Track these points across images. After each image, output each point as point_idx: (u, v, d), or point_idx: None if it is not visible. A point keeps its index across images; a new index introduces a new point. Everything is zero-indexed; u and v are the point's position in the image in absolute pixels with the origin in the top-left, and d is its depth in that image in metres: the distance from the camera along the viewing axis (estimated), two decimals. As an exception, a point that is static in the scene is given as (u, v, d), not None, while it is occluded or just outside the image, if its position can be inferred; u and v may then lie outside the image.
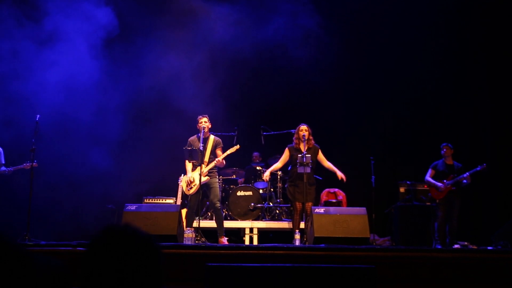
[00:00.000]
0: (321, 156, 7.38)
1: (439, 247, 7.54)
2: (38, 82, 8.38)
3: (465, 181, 7.90)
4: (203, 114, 7.34)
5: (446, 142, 8.20)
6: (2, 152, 7.48)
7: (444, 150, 8.10)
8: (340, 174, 7.31)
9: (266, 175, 7.60)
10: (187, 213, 7.24)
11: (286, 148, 7.46)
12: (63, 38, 8.55)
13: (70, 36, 8.58)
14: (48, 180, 8.12)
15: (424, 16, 9.72)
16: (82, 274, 1.33)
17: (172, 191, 8.45)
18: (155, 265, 1.36)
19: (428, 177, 8.17)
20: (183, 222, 7.10)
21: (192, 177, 7.16)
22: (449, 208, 7.93)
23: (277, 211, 8.74)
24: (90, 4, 8.63)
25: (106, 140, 8.80)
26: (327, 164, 7.39)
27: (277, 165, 7.54)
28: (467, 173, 7.88)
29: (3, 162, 7.41)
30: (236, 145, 7.33)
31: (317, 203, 7.94)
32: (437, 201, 8.03)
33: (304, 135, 7.21)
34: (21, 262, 1.25)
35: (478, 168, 7.87)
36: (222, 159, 7.12)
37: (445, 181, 7.95)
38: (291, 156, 7.38)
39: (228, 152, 7.18)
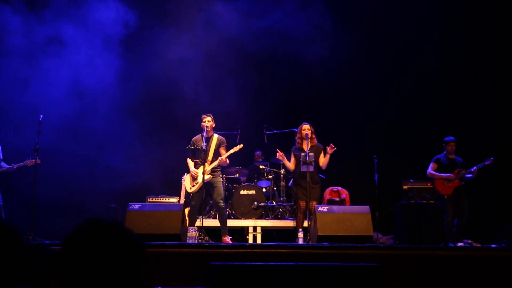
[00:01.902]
0: (321, 158, 7.34)
1: (452, 244, 7.43)
2: (44, 82, 8.47)
3: (470, 175, 7.78)
4: (207, 113, 7.34)
5: (450, 138, 8.11)
6: (0, 147, 7.46)
7: (451, 145, 7.98)
8: (330, 147, 7.15)
9: (281, 154, 7.40)
10: (190, 211, 7.25)
11: (291, 151, 7.48)
12: (70, 36, 8.67)
13: (77, 34, 8.68)
14: (51, 179, 8.15)
15: (426, 11, 9.67)
16: (62, 270, 1.26)
17: (175, 190, 8.47)
18: (134, 263, 1.29)
19: (431, 170, 8.05)
20: (186, 221, 7.12)
21: (197, 171, 7.15)
22: (458, 204, 7.80)
23: (281, 210, 8.74)
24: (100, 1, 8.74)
25: (110, 140, 8.83)
26: (323, 161, 7.31)
27: (290, 164, 7.49)
28: (475, 167, 7.77)
29: (1, 158, 7.43)
30: (239, 144, 7.34)
31: (320, 201, 7.94)
32: (445, 197, 7.86)
33: (307, 134, 7.22)
34: (13, 244, 1.24)
35: (486, 162, 7.76)
36: (226, 158, 7.13)
37: (452, 175, 7.82)
38: (295, 156, 7.39)
39: (232, 151, 7.18)
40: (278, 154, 7.43)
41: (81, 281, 1.24)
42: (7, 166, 7.28)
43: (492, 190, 9.29)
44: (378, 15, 9.67)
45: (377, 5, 9.64)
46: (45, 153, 7.38)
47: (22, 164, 7.21)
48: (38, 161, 7.07)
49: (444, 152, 8.11)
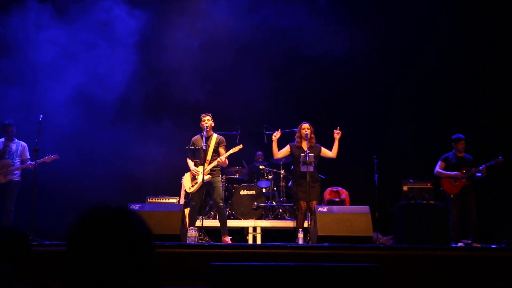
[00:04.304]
0: (324, 152, 7.36)
1: (454, 245, 7.37)
2: (46, 82, 8.50)
3: (479, 174, 7.57)
4: (206, 112, 7.34)
5: (450, 138, 7.96)
6: (26, 147, 7.71)
7: (461, 142, 7.77)
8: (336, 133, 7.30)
9: (277, 135, 7.35)
10: (190, 212, 7.24)
11: (288, 145, 7.46)
12: (71, 37, 8.73)
13: (79, 35, 8.73)
14: (51, 179, 8.15)
15: (429, 12, 9.67)
16: (68, 267, 1.17)
17: (175, 191, 8.46)
18: (141, 257, 1.20)
19: (439, 169, 7.87)
20: (186, 222, 7.11)
21: (197, 170, 7.13)
22: (465, 205, 7.62)
23: (280, 210, 8.74)
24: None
25: (110, 140, 8.83)
26: (332, 152, 7.32)
27: (277, 151, 7.40)
28: (483, 166, 7.57)
29: (28, 157, 7.65)
30: (239, 144, 7.33)
31: (320, 201, 7.95)
32: (452, 196, 7.70)
33: (306, 134, 7.21)
34: None
35: (492, 162, 7.55)
36: (225, 158, 7.10)
37: (459, 173, 7.63)
38: (292, 154, 7.38)
39: (231, 151, 7.17)
40: (277, 133, 7.36)
41: (89, 277, 1.16)
42: (31, 162, 7.44)
43: (492, 190, 9.24)
44: (380, 16, 9.67)
45: (380, 5, 9.64)
46: (45, 154, 7.41)
47: (41, 160, 7.34)
48: (57, 157, 7.39)
49: (453, 151, 7.92)
